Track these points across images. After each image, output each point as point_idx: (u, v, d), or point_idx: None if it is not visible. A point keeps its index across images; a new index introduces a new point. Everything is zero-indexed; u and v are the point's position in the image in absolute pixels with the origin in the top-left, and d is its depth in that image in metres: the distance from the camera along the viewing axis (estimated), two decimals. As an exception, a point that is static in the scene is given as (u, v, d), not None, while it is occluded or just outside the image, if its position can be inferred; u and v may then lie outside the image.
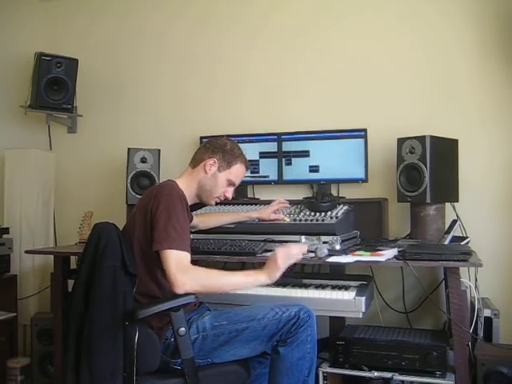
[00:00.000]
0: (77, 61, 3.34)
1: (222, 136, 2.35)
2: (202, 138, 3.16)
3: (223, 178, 2.22)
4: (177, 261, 1.90)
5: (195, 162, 2.24)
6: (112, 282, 1.88)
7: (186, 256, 1.94)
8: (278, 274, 1.98)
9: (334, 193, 2.95)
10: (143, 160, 3.09)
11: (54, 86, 3.31)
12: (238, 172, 2.26)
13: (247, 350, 2.01)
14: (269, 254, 2.40)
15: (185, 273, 1.89)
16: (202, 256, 2.42)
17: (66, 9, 3.67)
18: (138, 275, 1.99)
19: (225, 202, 2.97)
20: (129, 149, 3.10)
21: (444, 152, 2.66)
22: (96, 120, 3.59)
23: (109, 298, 1.86)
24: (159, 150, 3.15)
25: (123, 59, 3.53)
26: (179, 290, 1.86)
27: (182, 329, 1.86)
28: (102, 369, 1.83)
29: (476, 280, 2.55)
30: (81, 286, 1.92)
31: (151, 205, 1.99)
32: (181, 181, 2.19)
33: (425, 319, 2.83)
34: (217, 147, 2.23)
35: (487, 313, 2.48)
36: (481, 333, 2.45)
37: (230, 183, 2.26)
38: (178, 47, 3.41)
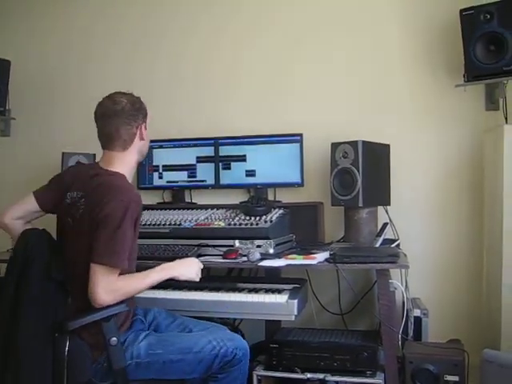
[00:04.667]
0: (9, 62, 3.23)
1: (114, 97, 2.02)
2: (138, 142, 3.14)
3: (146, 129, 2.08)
4: (107, 280, 1.79)
5: (125, 143, 1.99)
6: (41, 292, 1.80)
7: (116, 274, 1.83)
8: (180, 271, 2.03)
9: (271, 197, 2.98)
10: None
11: (-16, 88, 3.20)
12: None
13: (177, 377, 1.97)
14: (202, 258, 2.41)
15: (110, 293, 1.80)
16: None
17: (-2, 8, 3.57)
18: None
19: (162, 207, 2.98)
20: (63, 153, 3.04)
21: (376, 156, 2.72)
22: (31, 123, 3.49)
23: (39, 308, 1.78)
24: (94, 155, 3.08)
25: (58, 61, 3.45)
26: (97, 306, 1.79)
27: (114, 338, 1.83)
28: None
29: (406, 281, 2.62)
30: (8, 296, 1.81)
31: (104, 204, 1.82)
32: (122, 171, 1.99)
33: (361, 320, 2.89)
34: (133, 112, 2.00)
35: (417, 312, 2.56)
36: (411, 332, 2.53)
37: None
38: (112, 48, 3.36)
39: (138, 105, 2.04)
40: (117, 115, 1.96)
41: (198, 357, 1.93)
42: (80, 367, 1.82)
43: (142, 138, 2.04)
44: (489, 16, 2.48)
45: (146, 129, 2.06)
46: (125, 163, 2.01)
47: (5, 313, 1.80)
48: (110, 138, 1.98)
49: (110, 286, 1.80)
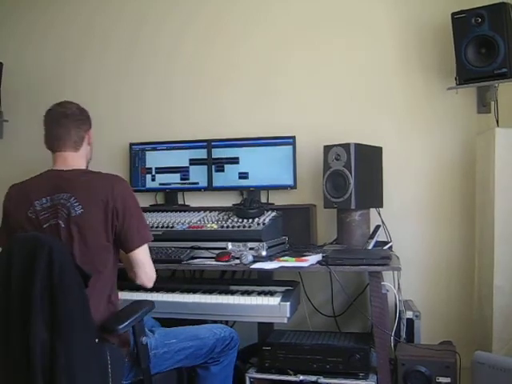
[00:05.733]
0: (1, 64, 3.23)
1: (63, 103, 2.10)
2: (131, 144, 3.14)
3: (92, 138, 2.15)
4: (150, 257, 1.98)
5: (76, 143, 2.03)
6: (80, 300, 1.69)
7: None
8: None
9: (264, 199, 2.98)
10: (71, 166, 3.01)
11: (-24, 91, 3.19)
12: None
13: (184, 364, 2.10)
14: (195, 261, 2.42)
15: (153, 269, 2.00)
16: (128, 264, 2.40)
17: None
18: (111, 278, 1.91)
19: (155, 210, 2.98)
20: (55, 155, 3.03)
21: (369, 159, 2.73)
22: (23, 125, 3.47)
23: (80, 316, 1.68)
24: (87, 157, 3.09)
25: (51, 63, 3.44)
26: (149, 285, 1.99)
27: (144, 338, 1.88)
28: None
29: (398, 283, 2.63)
30: (37, 310, 1.61)
31: (115, 195, 1.88)
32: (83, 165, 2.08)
33: (353, 322, 2.89)
34: (81, 117, 2.07)
35: (409, 314, 2.56)
36: (403, 334, 2.53)
37: None
38: (105, 51, 3.36)
39: (86, 113, 2.12)
40: (67, 117, 2.03)
41: (204, 342, 2.11)
42: (119, 370, 1.84)
43: (88, 143, 2.10)
44: (480, 19, 2.50)
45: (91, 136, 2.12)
46: (79, 164, 2.05)
47: (39, 327, 1.61)
48: (61, 139, 2.02)
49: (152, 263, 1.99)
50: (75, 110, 2.06)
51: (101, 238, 1.85)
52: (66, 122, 2.02)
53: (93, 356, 1.69)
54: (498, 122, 2.63)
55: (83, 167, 2.06)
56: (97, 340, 1.73)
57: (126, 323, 1.78)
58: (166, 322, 2.31)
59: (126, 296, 2.31)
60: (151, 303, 1.94)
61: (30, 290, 1.60)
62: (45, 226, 1.87)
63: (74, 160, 2.03)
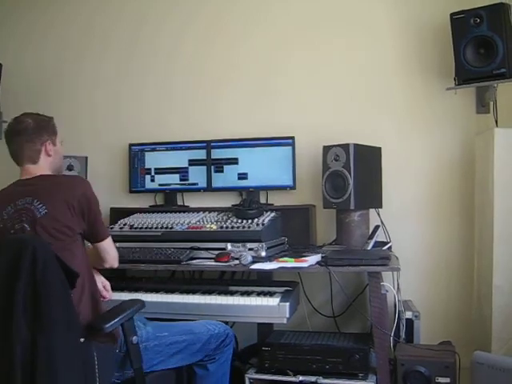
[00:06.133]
0: (0, 65, 3.23)
1: (19, 117, 2.07)
2: (130, 145, 3.14)
3: (59, 145, 2.14)
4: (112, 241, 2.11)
5: (31, 158, 2.03)
6: (64, 298, 1.69)
7: None
8: None
9: (263, 200, 2.98)
10: (70, 167, 3.02)
11: (-24, 91, 3.20)
12: (56, 128, 2.16)
13: (179, 360, 2.09)
14: (194, 261, 2.42)
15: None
16: (127, 265, 2.41)
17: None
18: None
19: (154, 210, 2.98)
20: (55, 156, 3.03)
21: (368, 159, 2.73)
22: (23, 126, 3.47)
23: (63, 314, 1.67)
24: (86, 158, 3.10)
25: (51, 64, 3.45)
26: (117, 264, 2.13)
27: (135, 337, 1.88)
28: None
29: (398, 283, 2.63)
30: (19, 307, 1.61)
31: (79, 195, 1.91)
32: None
33: (353, 323, 2.90)
34: (36, 131, 2.04)
35: (409, 315, 2.56)
36: (402, 334, 2.54)
37: (61, 141, 2.18)
38: (105, 52, 3.36)
39: (44, 123, 2.08)
40: (18, 135, 2.03)
41: (198, 337, 2.12)
42: (108, 370, 1.85)
43: (48, 155, 2.07)
44: (479, 20, 2.50)
45: (54, 145, 2.09)
46: (42, 173, 2.05)
47: (21, 326, 1.60)
48: (16, 155, 2.05)
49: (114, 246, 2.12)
50: (29, 125, 2.03)
51: (67, 234, 1.88)
52: (17, 139, 2.03)
53: (77, 355, 1.69)
54: (497, 122, 2.63)
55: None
56: (82, 339, 1.73)
57: (113, 322, 1.79)
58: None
59: (125, 297, 2.31)
60: (141, 302, 1.96)
61: (14, 286, 1.60)
62: (12, 231, 1.88)
63: (36, 170, 2.03)
